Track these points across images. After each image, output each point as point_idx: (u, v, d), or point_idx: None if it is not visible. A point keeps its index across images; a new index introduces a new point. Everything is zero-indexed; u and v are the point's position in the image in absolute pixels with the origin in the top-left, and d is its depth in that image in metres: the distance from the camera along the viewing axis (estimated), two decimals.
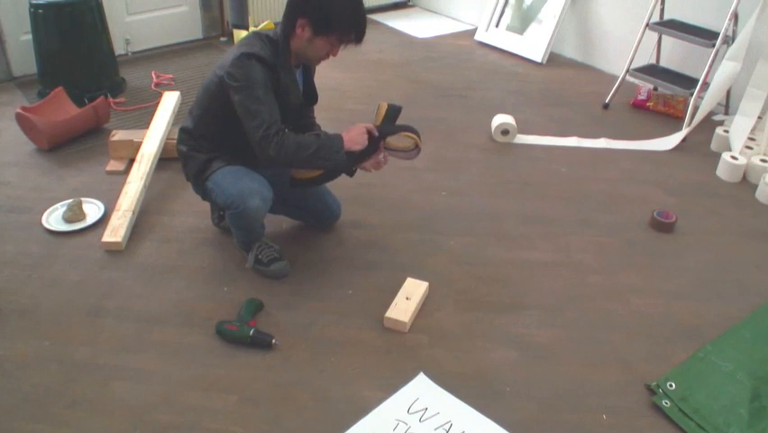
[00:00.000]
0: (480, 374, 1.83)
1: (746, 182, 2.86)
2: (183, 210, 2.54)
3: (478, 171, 2.89)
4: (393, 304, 2.02)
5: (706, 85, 3.16)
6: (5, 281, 2.14)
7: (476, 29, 4.60)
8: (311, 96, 2.22)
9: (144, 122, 3.06)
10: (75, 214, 2.43)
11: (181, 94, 3.19)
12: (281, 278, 2.16)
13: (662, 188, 2.79)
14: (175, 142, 2.78)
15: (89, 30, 3.35)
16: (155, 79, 3.74)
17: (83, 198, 2.52)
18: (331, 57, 2.03)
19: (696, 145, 3.15)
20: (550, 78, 3.95)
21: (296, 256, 2.25)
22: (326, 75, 2.27)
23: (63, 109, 3.05)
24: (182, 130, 2.14)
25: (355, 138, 2.02)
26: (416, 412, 1.70)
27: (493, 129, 3.17)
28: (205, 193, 2.16)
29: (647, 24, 3.42)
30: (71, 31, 3.27)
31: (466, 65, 4.14)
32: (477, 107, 3.50)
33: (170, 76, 3.80)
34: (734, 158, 2.87)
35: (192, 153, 2.11)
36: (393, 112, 2.09)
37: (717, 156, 2.96)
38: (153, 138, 2.78)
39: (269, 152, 1.90)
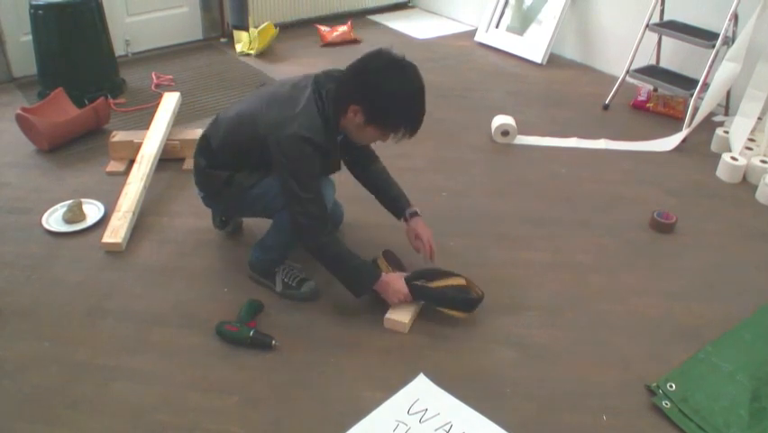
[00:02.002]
0: (479, 375, 1.83)
1: (746, 183, 2.85)
2: (183, 211, 2.54)
3: (478, 172, 2.89)
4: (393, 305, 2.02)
5: (706, 86, 3.16)
6: (5, 282, 2.14)
7: (476, 30, 4.60)
8: (351, 150, 2.10)
9: (144, 123, 3.06)
10: (75, 215, 2.43)
11: (181, 95, 3.19)
12: (313, 300, 2.08)
13: (662, 189, 2.79)
14: (173, 143, 2.83)
15: (89, 31, 3.35)
16: (155, 80, 3.74)
17: (83, 199, 2.52)
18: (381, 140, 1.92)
19: (696, 146, 3.15)
20: (550, 79, 3.95)
21: (296, 257, 2.24)
22: None
23: (63, 110, 3.05)
24: (205, 145, 2.04)
25: (396, 292, 1.96)
26: (416, 413, 1.70)
27: (493, 130, 3.17)
28: (236, 205, 2.08)
29: (647, 25, 3.42)
30: (71, 32, 3.27)
31: (466, 66, 4.14)
32: (477, 108, 3.50)
33: (170, 77, 3.80)
34: (734, 159, 2.87)
35: (210, 171, 2.03)
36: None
37: (717, 157, 2.96)
38: (153, 139, 2.78)
39: (315, 244, 1.89)
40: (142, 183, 2.54)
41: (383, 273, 2.00)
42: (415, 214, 2.17)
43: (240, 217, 2.39)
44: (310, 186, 1.84)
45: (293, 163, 1.82)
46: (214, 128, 2.04)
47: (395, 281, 1.99)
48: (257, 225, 2.39)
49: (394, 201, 2.20)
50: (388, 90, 1.76)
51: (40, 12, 3.20)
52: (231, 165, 2.00)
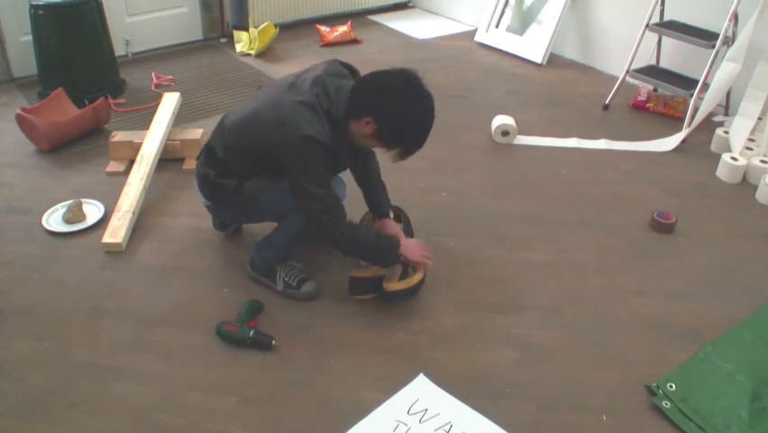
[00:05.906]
0: (480, 375, 1.83)
1: (746, 183, 2.86)
2: (183, 211, 2.54)
3: (478, 172, 2.89)
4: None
5: (706, 86, 3.16)
6: (5, 282, 2.14)
7: (476, 30, 4.60)
8: (358, 151, 2.10)
9: (144, 123, 3.06)
10: (75, 215, 2.43)
11: (181, 95, 3.19)
12: (314, 300, 2.09)
13: (663, 189, 2.79)
14: (173, 143, 2.83)
15: (89, 31, 3.35)
16: (155, 80, 3.74)
17: (83, 199, 2.52)
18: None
19: (696, 146, 3.15)
20: (550, 79, 3.95)
21: (297, 257, 2.24)
22: None
23: (63, 110, 3.05)
24: (211, 155, 2.01)
25: (421, 248, 2.05)
26: (416, 413, 1.70)
27: (493, 130, 3.17)
28: (245, 212, 2.09)
29: (647, 25, 3.42)
30: (71, 32, 3.27)
31: (466, 66, 4.14)
32: (477, 108, 3.50)
33: (170, 77, 3.80)
34: (734, 159, 2.87)
35: (220, 181, 2.00)
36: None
37: (718, 157, 2.96)
38: (153, 139, 2.78)
39: (333, 237, 1.90)
40: (142, 183, 2.54)
41: (399, 238, 2.03)
42: (384, 215, 2.20)
43: (246, 223, 2.38)
44: (322, 181, 1.85)
45: (303, 162, 1.81)
46: (218, 137, 2.02)
47: (411, 241, 2.09)
48: (258, 225, 2.39)
49: (378, 204, 2.22)
50: (407, 119, 1.83)
51: (40, 12, 3.20)
52: (239, 173, 1.98)
